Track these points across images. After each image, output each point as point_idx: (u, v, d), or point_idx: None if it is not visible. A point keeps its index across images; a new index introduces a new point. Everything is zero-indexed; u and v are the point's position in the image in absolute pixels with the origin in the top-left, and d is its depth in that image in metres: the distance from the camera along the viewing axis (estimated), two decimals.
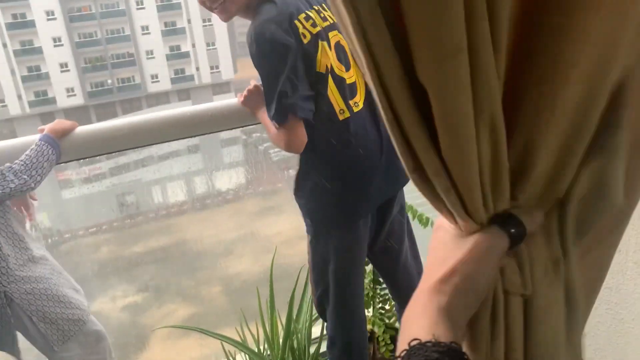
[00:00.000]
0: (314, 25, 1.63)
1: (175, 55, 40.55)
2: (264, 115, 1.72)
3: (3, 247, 1.59)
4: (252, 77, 1.88)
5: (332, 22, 1.69)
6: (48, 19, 36.99)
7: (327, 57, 1.63)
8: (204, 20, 40.25)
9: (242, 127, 2.00)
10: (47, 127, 1.70)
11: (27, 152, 1.63)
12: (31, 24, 36.71)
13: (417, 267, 2.02)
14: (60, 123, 1.72)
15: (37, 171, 1.60)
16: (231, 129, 2.02)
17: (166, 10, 39.64)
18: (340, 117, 1.66)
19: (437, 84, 0.48)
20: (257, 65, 1.59)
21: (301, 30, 1.60)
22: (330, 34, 1.68)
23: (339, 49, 1.69)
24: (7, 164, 1.60)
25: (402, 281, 2.01)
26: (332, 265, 1.81)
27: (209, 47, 40.68)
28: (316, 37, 1.62)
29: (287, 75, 1.56)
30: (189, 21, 40.17)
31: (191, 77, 41.06)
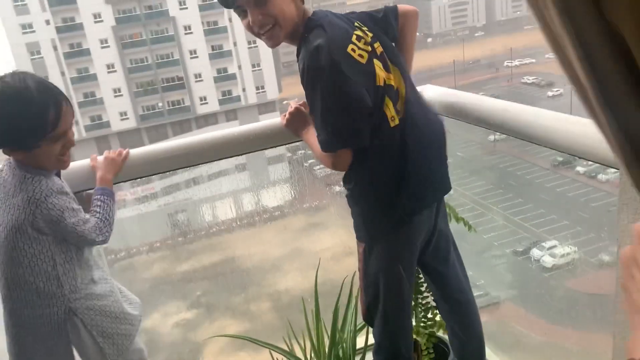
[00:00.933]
0: (366, 43, 1.66)
1: (223, 77, 41.54)
2: (306, 135, 1.78)
3: (75, 267, 1.67)
4: (296, 96, 1.93)
5: (372, 34, 1.71)
6: (102, 47, 38.69)
7: (381, 71, 1.66)
8: (249, 43, 41.11)
9: (286, 144, 2.05)
10: (100, 178, 1.78)
11: (99, 207, 1.72)
12: (86, 52, 38.50)
13: (462, 270, 2.03)
14: (112, 164, 1.82)
15: (111, 227, 1.73)
16: (274, 146, 2.07)
17: (213, 34, 40.76)
18: (392, 124, 1.67)
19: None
20: (309, 93, 1.60)
21: (357, 52, 1.62)
22: (376, 45, 1.69)
23: (383, 57, 1.71)
24: (88, 216, 1.70)
25: (452, 285, 2.01)
26: (385, 272, 1.82)
27: (254, 69, 41.49)
28: (370, 56, 1.65)
29: (341, 106, 1.59)
30: (234, 44, 41.15)
31: (238, 98, 41.91)
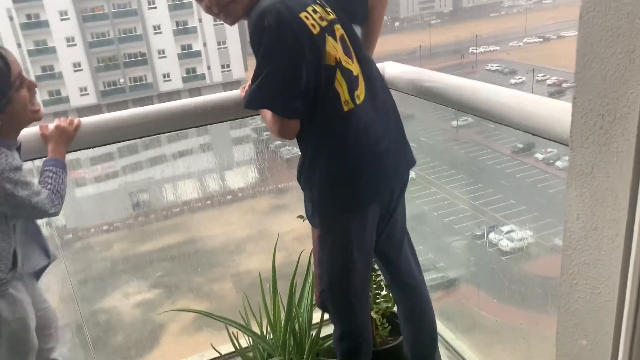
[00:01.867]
0: (321, 18, 1.64)
1: (187, 54, 40.73)
2: (263, 110, 1.74)
3: (8, 250, 1.64)
4: None
5: (334, 16, 1.71)
6: (62, 19, 37.32)
7: (334, 50, 1.64)
8: (215, 20, 40.24)
9: (242, 118, 2.03)
10: (52, 149, 1.73)
11: (50, 179, 1.66)
12: (45, 24, 37.08)
13: (413, 255, 2.06)
14: (64, 134, 1.77)
15: (63, 199, 1.69)
16: (232, 119, 2.05)
17: (177, 9, 39.81)
18: (345, 108, 1.65)
19: None
20: (258, 49, 1.56)
21: (310, 21, 1.60)
22: (336, 27, 1.69)
23: (344, 41, 1.70)
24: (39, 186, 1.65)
25: (403, 269, 2.04)
26: (338, 259, 1.80)
27: (219, 46, 40.80)
28: (323, 30, 1.63)
29: (278, 68, 1.57)
30: (200, 20, 40.30)
31: (202, 76, 41.23)
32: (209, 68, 41.35)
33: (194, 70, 41.32)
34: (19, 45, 36.31)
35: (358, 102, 1.68)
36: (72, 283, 2.43)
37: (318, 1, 1.70)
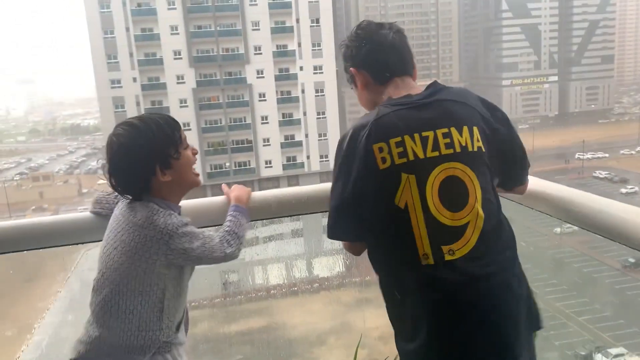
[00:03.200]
0: (402, 154, 1.45)
1: (289, 143, 42.82)
2: None
3: (177, 306, 1.68)
4: None
5: (453, 152, 1.46)
6: (181, 106, 41.07)
7: (408, 194, 1.44)
8: (318, 113, 42.49)
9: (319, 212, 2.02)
10: (235, 197, 1.83)
11: (229, 222, 1.73)
12: (166, 110, 40.94)
13: None
14: (243, 191, 1.86)
15: (241, 241, 1.72)
16: (314, 212, 2.04)
17: (285, 102, 42.49)
18: (423, 262, 1.42)
19: None
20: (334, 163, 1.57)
21: (381, 155, 1.46)
22: (442, 167, 1.45)
23: (449, 184, 1.45)
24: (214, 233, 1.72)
25: None
26: None
27: (320, 138, 42.55)
28: (398, 168, 1.44)
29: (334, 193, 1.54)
30: (304, 113, 42.63)
31: (302, 165, 42.86)
32: (308, 157, 43.03)
33: (294, 158, 43.16)
34: None
35: (448, 258, 1.42)
36: None
37: (441, 130, 1.47)
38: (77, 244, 1.90)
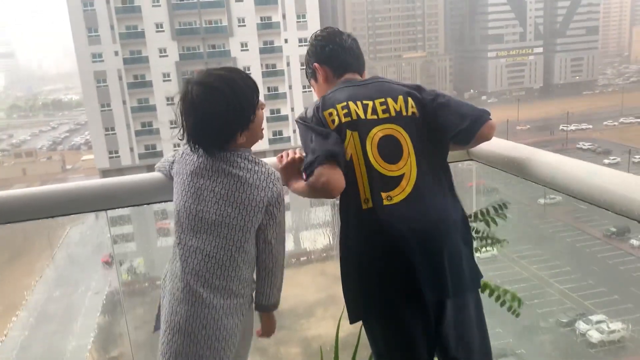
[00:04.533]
0: (347, 115, 1.75)
1: (275, 117, 42.55)
2: (294, 185, 1.82)
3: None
4: None
5: (389, 115, 1.75)
6: (164, 80, 40.47)
7: (352, 147, 1.72)
8: (303, 87, 42.15)
9: None
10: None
11: None
12: (149, 84, 40.36)
13: (483, 346, 1.85)
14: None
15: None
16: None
17: (270, 76, 42.07)
18: (364, 206, 1.70)
19: None
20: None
21: (331, 118, 1.76)
22: (379, 127, 1.74)
23: (386, 141, 1.73)
24: None
25: None
26: (384, 355, 1.79)
27: None
28: (344, 125, 1.74)
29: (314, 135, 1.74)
30: (290, 87, 42.29)
31: (288, 139, 42.69)
32: (294, 131, 42.87)
33: (280, 132, 43.00)
34: (124, 102, 39.63)
35: (386, 202, 1.69)
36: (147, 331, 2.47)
37: (380, 99, 1.78)
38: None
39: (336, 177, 1.66)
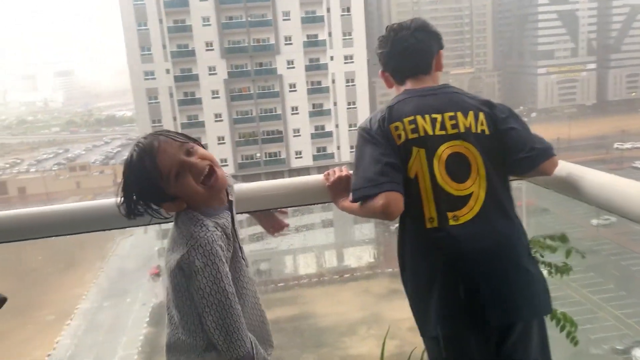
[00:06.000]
0: (414, 130, 1.67)
1: (320, 134, 42.79)
2: (343, 203, 1.78)
3: None
4: None
5: (458, 132, 1.68)
6: (213, 97, 41.43)
7: (418, 165, 1.66)
8: (348, 103, 42.31)
9: (317, 204, 2.01)
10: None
11: None
12: (198, 101, 41.38)
13: None
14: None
15: None
16: (307, 204, 2.04)
17: (315, 93, 42.44)
18: (427, 225, 1.65)
19: None
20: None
21: (397, 132, 1.69)
22: (448, 144, 1.67)
23: (454, 159, 1.67)
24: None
25: None
26: None
27: (350, 128, 42.37)
28: (410, 142, 1.67)
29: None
30: (335, 104, 42.50)
31: (332, 155, 42.80)
32: (338, 148, 42.94)
33: (324, 149, 43.14)
34: (174, 119, 40.75)
35: (452, 222, 1.64)
36: None
37: (449, 113, 1.70)
38: None
39: (396, 202, 1.63)
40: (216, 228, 1.54)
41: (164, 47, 40.83)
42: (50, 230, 1.86)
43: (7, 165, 61.57)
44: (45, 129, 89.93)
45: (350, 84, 42.63)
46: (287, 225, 1.94)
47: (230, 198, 1.66)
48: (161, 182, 1.51)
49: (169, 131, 1.60)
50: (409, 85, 1.81)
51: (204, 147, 1.65)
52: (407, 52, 1.80)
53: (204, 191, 1.55)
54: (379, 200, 1.60)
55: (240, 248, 1.64)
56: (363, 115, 41.84)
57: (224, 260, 1.51)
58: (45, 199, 46.58)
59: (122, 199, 1.55)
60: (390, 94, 1.89)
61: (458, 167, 1.66)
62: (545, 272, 2.06)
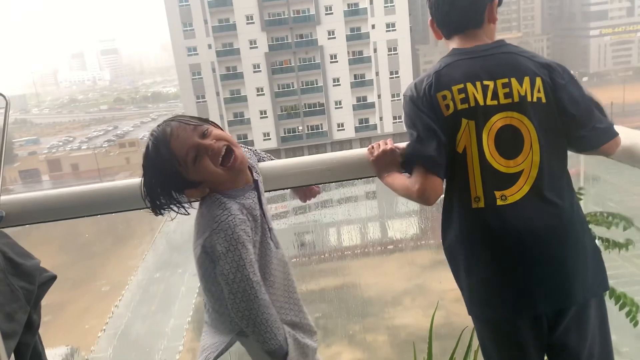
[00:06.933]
0: (464, 100, 1.53)
1: (362, 105, 42.42)
2: (387, 179, 1.69)
3: None
4: None
5: (512, 101, 1.53)
6: (254, 71, 41.59)
7: (467, 139, 1.54)
8: (391, 73, 41.64)
9: (361, 178, 1.94)
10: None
11: None
12: (240, 76, 41.62)
13: (604, 355, 1.67)
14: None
15: None
16: (351, 179, 1.97)
17: (357, 63, 41.94)
18: (473, 205, 1.54)
19: None
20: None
21: (445, 102, 1.55)
22: (500, 115, 1.53)
23: (505, 132, 1.53)
24: None
25: None
26: (493, 356, 1.67)
27: (393, 99, 41.81)
28: (459, 113, 1.53)
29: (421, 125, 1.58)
30: (377, 74, 41.92)
31: (374, 127, 42.45)
32: (381, 119, 42.51)
33: (366, 120, 42.80)
34: (217, 94, 41.21)
35: (500, 202, 1.52)
36: None
37: (502, 79, 1.53)
38: None
39: (433, 187, 1.55)
40: (241, 211, 1.52)
41: (205, 22, 41.08)
42: (102, 207, 1.91)
43: (60, 143, 63.99)
44: (94, 107, 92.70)
45: (392, 52, 41.88)
46: (319, 192, 1.90)
47: (255, 177, 1.64)
48: (179, 167, 1.50)
49: (181, 116, 1.58)
50: (457, 40, 1.64)
51: (220, 128, 1.61)
52: (455, 3, 1.61)
53: (224, 172, 1.52)
54: (415, 185, 1.56)
55: (270, 229, 1.62)
56: (406, 84, 40.82)
57: (247, 247, 1.49)
58: (97, 175, 48.30)
59: (146, 192, 1.53)
60: (435, 60, 1.81)
61: (509, 142, 1.52)
62: (601, 247, 1.97)
